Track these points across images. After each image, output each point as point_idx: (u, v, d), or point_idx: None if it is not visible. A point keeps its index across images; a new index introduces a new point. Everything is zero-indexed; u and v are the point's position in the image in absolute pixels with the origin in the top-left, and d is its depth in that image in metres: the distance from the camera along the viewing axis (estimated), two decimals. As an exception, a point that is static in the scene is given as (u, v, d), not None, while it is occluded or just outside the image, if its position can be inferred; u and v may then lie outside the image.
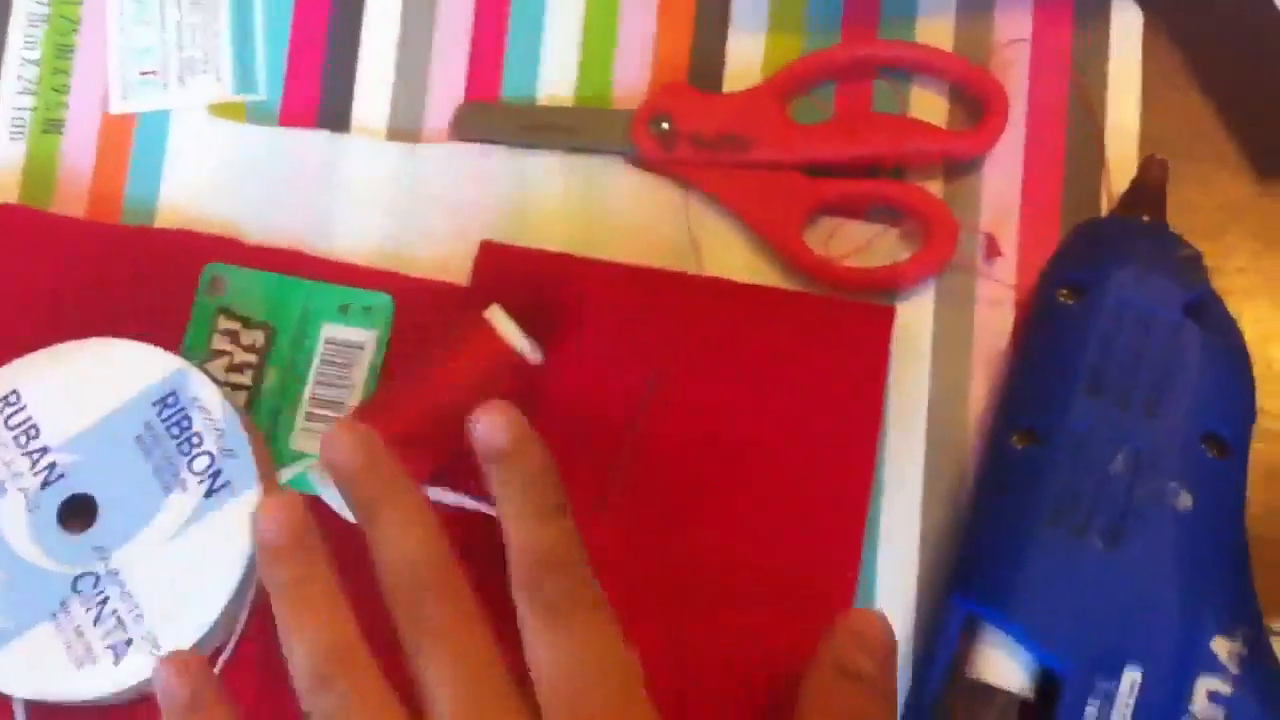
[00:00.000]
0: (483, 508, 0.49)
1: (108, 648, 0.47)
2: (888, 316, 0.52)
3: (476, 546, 0.43)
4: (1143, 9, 0.55)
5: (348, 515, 0.46)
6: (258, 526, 0.43)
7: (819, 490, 0.50)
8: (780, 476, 0.50)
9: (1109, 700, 0.45)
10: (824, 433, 0.50)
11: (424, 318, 0.53)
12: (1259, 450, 0.50)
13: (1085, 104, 0.55)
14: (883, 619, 0.44)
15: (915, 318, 0.53)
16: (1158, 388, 0.47)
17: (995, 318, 0.53)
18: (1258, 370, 0.50)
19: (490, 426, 0.44)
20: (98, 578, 0.48)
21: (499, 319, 0.50)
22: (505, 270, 0.52)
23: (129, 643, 0.47)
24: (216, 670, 0.49)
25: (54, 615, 0.47)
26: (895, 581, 0.51)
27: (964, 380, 0.53)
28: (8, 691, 0.47)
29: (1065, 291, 0.50)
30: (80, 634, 0.47)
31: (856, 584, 0.50)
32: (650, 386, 0.51)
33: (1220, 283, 0.51)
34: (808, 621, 0.49)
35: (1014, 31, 0.55)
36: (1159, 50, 0.55)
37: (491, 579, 0.43)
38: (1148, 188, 0.51)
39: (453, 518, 0.47)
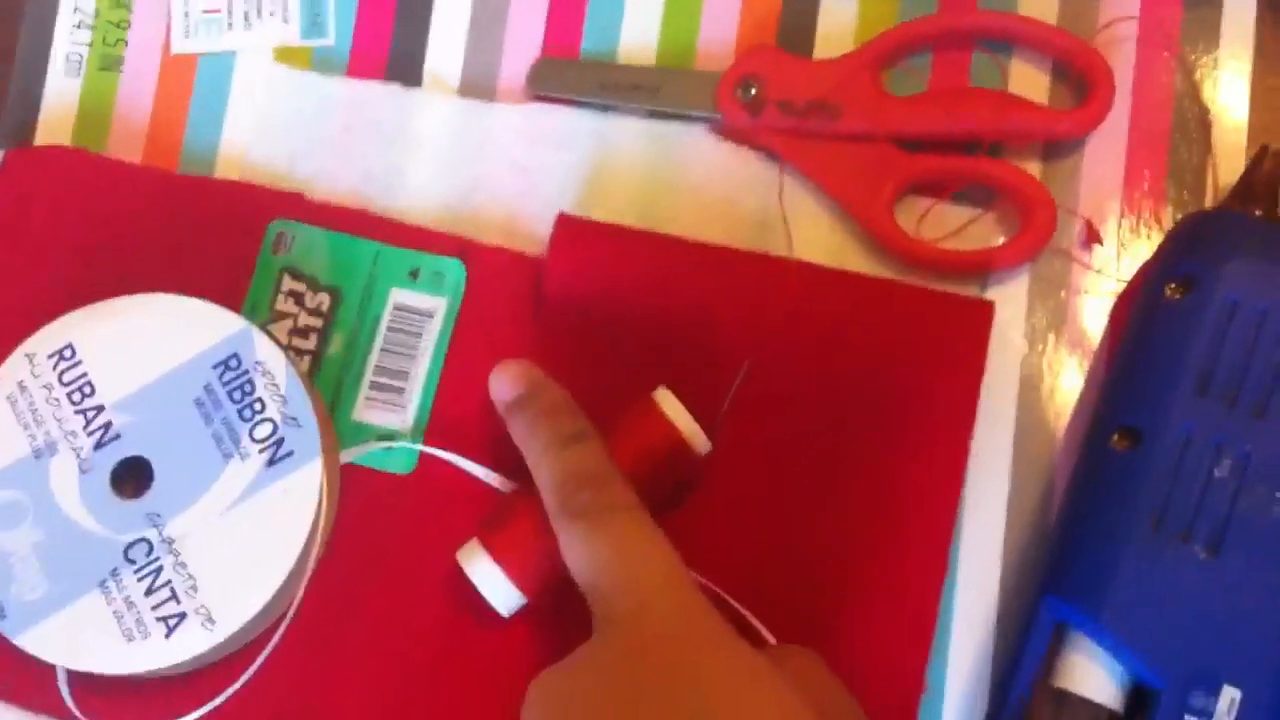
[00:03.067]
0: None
1: (159, 620, 0.45)
2: (988, 312, 0.49)
3: None
4: (1257, -6, 0.53)
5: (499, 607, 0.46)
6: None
7: (907, 493, 0.48)
8: (866, 477, 0.48)
9: (1205, 719, 0.43)
10: (916, 429, 0.48)
11: (496, 289, 0.50)
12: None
13: (1193, 89, 0.52)
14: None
15: (1008, 304, 0.51)
16: (1268, 390, 0.45)
17: (1092, 308, 0.51)
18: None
19: (502, 381, 0.47)
20: (151, 546, 0.46)
21: (669, 404, 0.47)
22: (583, 246, 0.50)
23: (182, 616, 0.45)
24: (271, 648, 0.47)
25: (103, 584, 0.45)
26: (978, 582, 0.49)
27: (1056, 372, 0.50)
28: (53, 661, 0.45)
29: (1173, 286, 0.47)
30: (131, 605, 0.45)
31: (943, 584, 0.48)
32: (741, 375, 0.49)
33: (1329, 281, 0.49)
34: (890, 622, 0.47)
35: (1122, 7, 0.53)
36: (1270, 38, 0.53)
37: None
38: (1260, 180, 0.49)
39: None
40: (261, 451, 0.47)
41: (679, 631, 0.40)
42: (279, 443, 0.47)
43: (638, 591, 0.41)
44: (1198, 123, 0.52)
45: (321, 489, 0.46)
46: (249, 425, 0.47)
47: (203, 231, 0.51)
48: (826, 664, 0.43)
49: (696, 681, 0.38)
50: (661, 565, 0.41)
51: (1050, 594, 0.46)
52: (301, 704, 0.48)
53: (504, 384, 0.47)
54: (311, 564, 0.47)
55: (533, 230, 0.52)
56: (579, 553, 0.42)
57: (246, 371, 0.47)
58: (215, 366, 0.47)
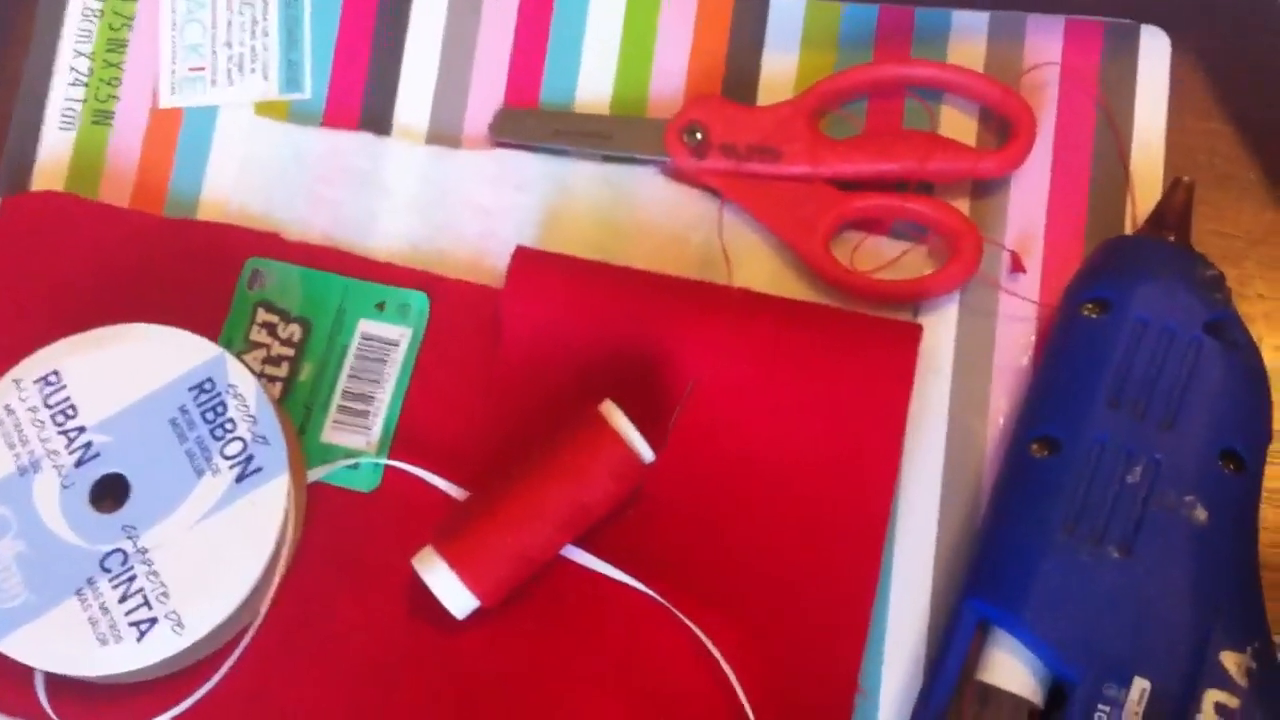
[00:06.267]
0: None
1: (131, 625, 0.48)
2: (915, 334, 0.52)
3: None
4: (1171, 36, 0.56)
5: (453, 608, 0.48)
6: None
7: (840, 502, 0.51)
8: (803, 487, 0.51)
9: (1117, 708, 0.45)
10: (847, 445, 0.51)
11: (458, 318, 0.54)
12: (1271, 472, 0.50)
13: (1112, 127, 0.55)
14: None
15: (938, 331, 0.54)
16: (1177, 403, 0.48)
17: (1017, 333, 0.54)
18: (1275, 396, 0.50)
19: None
20: (126, 556, 0.49)
21: (615, 416, 0.50)
22: (538, 276, 0.53)
23: (153, 621, 0.48)
24: (238, 653, 0.50)
25: (80, 592, 0.48)
26: (910, 585, 0.51)
27: (984, 394, 0.53)
28: (31, 664, 0.48)
29: (1090, 306, 0.50)
30: (105, 610, 0.48)
31: (876, 589, 0.50)
32: (687, 393, 0.52)
33: (1239, 309, 0.51)
34: (825, 626, 0.50)
35: (1044, 54, 0.56)
36: (1185, 76, 0.56)
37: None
38: (1173, 209, 0.52)
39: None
40: (232, 467, 0.50)
41: None
42: (248, 459, 0.50)
43: None
44: (1117, 159, 0.55)
45: (288, 502, 0.49)
46: (220, 443, 0.50)
47: (184, 269, 0.55)
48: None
49: None
50: None
51: (974, 593, 0.48)
52: (268, 707, 0.50)
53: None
54: (279, 573, 0.50)
55: (495, 267, 0.55)
56: None
57: (219, 394, 0.50)
58: (191, 389, 0.50)
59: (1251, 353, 0.49)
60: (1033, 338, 0.53)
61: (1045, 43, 0.56)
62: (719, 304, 0.52)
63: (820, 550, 0.51)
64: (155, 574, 0.48)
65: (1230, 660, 0.46)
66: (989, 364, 0.53)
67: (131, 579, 0.48)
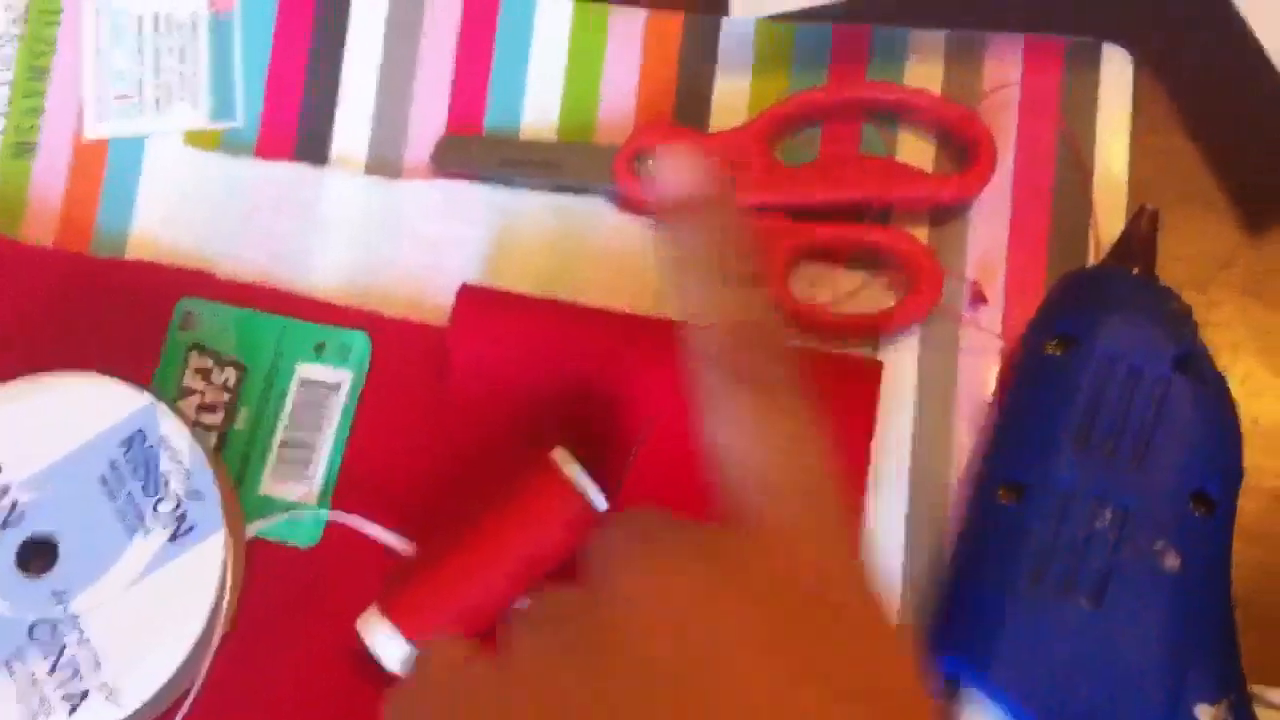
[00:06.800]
0: None
1: (63, 698, 0.45)
2: (876, 372, 0.51)
3: None
4: (1133, 56, 0.54)
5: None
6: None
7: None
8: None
9: (1091, 766, 0.44)
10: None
11: (401, 360, 0.52)
12: (1243, 507, 0.49)
13: (1074, 150, 0.54)
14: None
15: (899, 365, 0.52)
16: (1146, 443, 0.47)
17: (980, 366, 0.52)
18: (1243, 426, 0.49)
19: (679, 168, 0.36)
20: (55, 624, 0.46)
21: (566, 463, 0.48)
22: (485, 314, 0.51)
23: (85, 694, 0.46)
24: None
25: (7, 664, 0.46)
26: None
27: (948, 428, 0.52)
28: (-41, 740, 0.46)
29: (1054, 343, 0.49)
30: (35, 683, 0.46)
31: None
32: (642, 437, 0.50)
33: (1206, 335, 0.50)
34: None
35: (1003, 76, 0.54)
36: (1148, 97, 0.55)
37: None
38: (1138, 239, 0.51)
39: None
40: (165, 527, 0.47)
41: (836, 560, 0.33)
42: (181, 517, 0.47)
43: (795, 500, 0.34)
44: (1079, 183, 0.54)
45: (225, 562, 0.47)
46: (152, 500, 0.48)
47: (112, 311, 0.52)
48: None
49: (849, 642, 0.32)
50: (822, 472, 0.34)
51: (940, 648, 0.47)
52: (208, 776, 0.48)
53: (681, 172, 0.37)
54: (217, 637, 0.48)
55: (439, 304, 0.53)
56: (729, 431, 0.35)
57: (151, 447, 0.48)
58: (120, 444, 0.48)
59: (1220, 389, 0.48)
60: (996, 371, 0.52)
61: (1005, 62, 0.55)
62: (674, 342, 0.50)
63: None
64: (87, 641, 0.46)
65: (1205, 714, 0.44)
66: (952, 399, 0.52)
67: (62, 649, 0.46)
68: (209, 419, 0.51)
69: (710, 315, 0.36)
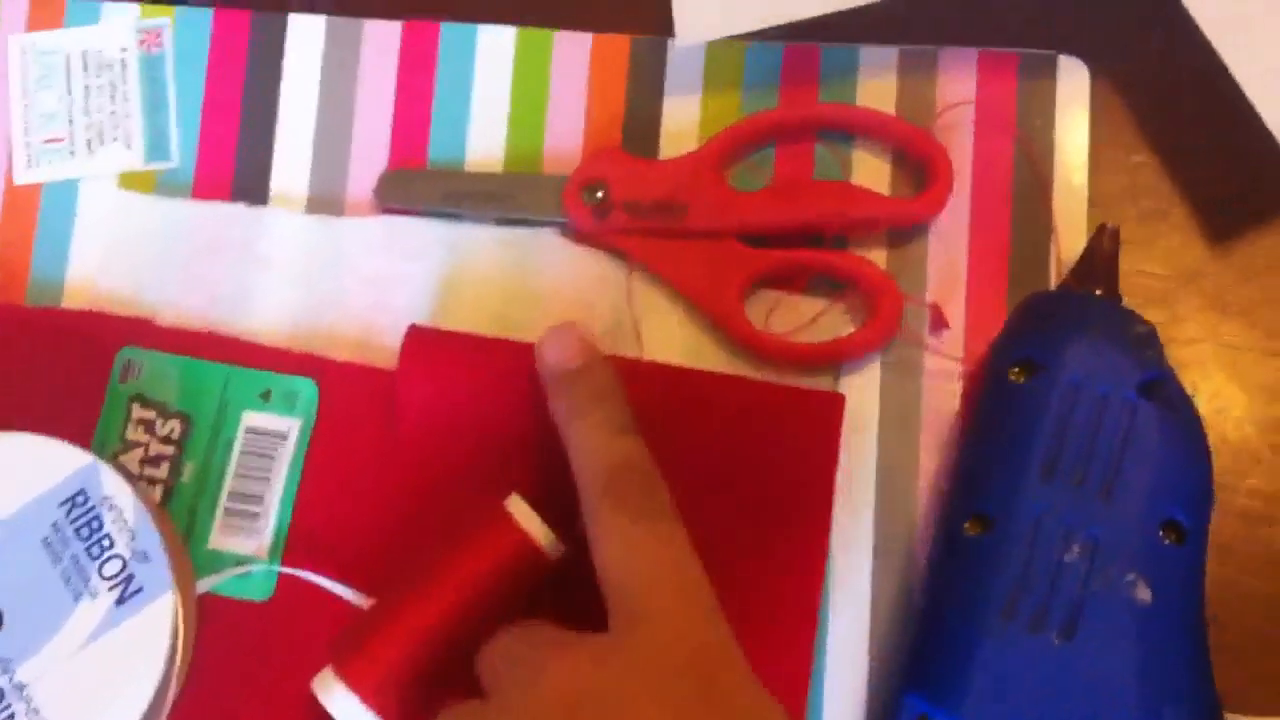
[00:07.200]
0: None
1: (13, 769, 0.44)
2: (838, 405, 0.49)
3: None
4: (1090, 68, 0.53)
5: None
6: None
7: (768, 586, 0.48)
8: (728, 571, 0.48)
9: (1067, 805, 0.43)
10: (773, 525, 0.48)
11: (350, 405, 0.50)
12: (1213, 526, 0.48)
13: (1032, 167, 0.53)
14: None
15: (862, 393, 0.51)
16: (1114, 471, 0.46)
17: (943, 391, 0.51)
18: (1211, 444, 0.48)
19: (557, 348, 0.47)
20: (1, 694, 0.45)
21: (521, 512, 0.46)
22: (434, 356, 0.49)
23: (36, 764, 0.44)
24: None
25: (-45, 736, 0.44)
26: (845, 671, 0.49)
27: (912, 454, 0.51)
28: (-95, 817, 0.44)
29: (1017, 370, 0.48)
30: (-17, 755, 0.44)
31: (809, 678, 0.48)
32: None
33: (1172, 353, 0.49)
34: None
35: (958, 93, 0.53)
36: (1107, 110, 0.53)
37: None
38: (1100, 258, 0.50)
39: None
40: (111, 589, 0.46)
41: (713, 642, 0.40)
42: (128, 579, 0.46)
43: (659, 601, 0.40)
44: (1038, 200, 0.53)
45: (175, 624, 0.46)
46: (97, 562, 0.46)
47: (51, 363, 0.51)
48: None
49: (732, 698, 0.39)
50: (695, 580, 0.41)
51: (911, 687, 0.46)
52: (165, 845, 0.47)
53: (558, 351, 0.47)
54: (170, 701, 0.46)
55: (386, 343, 0.51)
56: (617, 551, 0.42)
57: (94, 507, 0.46)
58: (62, 504, 0.46)
59: (1188, 414, 0.47)
60: (959, 393, 0.51)
61: (959, 77, 0.53)
62: (629, 380, 0.49)
63: (749, 637, 0.48)
64: (35, 711, 0.45)
65: (1180, 749, 0.44)
66: (916, 425, 0.51)
67: (10, 719, 0.45)
68: (154, 473, 0.50)
69: (596, 459, 0.43)
